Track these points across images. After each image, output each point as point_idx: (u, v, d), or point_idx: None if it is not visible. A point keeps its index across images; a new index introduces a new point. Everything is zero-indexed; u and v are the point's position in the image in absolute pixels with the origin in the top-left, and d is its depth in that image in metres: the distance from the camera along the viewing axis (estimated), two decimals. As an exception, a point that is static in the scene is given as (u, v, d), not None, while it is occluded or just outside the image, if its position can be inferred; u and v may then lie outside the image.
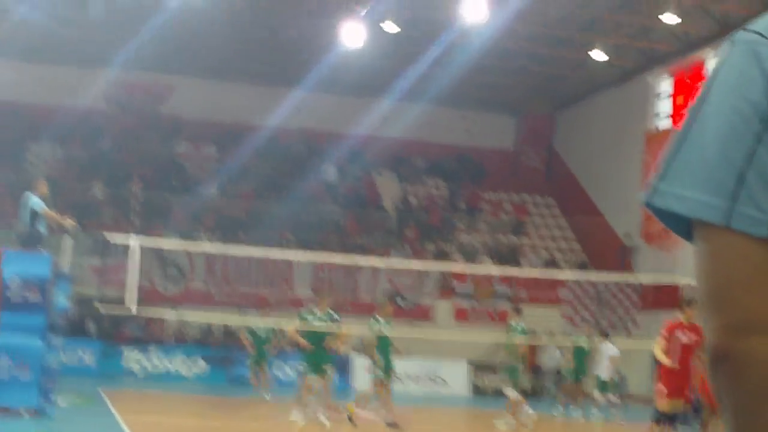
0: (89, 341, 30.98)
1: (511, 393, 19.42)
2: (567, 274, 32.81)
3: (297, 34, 35.69)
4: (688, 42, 34.06)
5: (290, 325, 16.87)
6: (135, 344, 31.71)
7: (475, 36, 33.51)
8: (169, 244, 26.58)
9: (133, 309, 14.21)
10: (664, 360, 12.79)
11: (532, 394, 32.51)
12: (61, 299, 16.13)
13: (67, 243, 16.54)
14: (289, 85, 38.67)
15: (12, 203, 32.18)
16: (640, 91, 37.10)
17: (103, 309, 18.64)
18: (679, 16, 31.48)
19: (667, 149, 1.48)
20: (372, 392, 17.56)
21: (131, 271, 14.42)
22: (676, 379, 12.87)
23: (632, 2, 32.47)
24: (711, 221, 1.38)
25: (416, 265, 27.73)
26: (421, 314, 34.95)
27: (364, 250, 35.48)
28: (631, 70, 37.52)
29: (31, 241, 16.12)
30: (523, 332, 19.58)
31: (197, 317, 29.18)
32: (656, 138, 35.58)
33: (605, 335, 24.16)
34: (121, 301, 22.97)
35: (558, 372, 29.49)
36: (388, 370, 17.96)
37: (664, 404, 12.98)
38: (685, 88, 35.34)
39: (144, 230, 31.73)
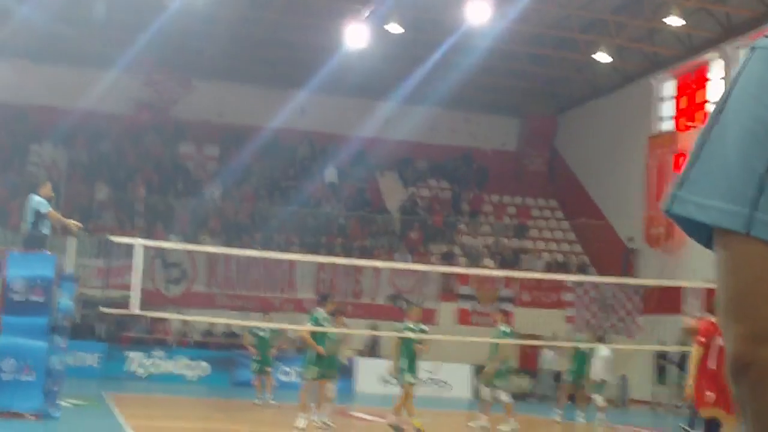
0: (93, 343, 30.95)
1: (488, 395, 19.43)
2: (570, 278, 32.73)
3: (300, 36, 35.69)
4: (692, 45, 34.03)
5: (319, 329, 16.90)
6: (139, 346, 31.70)
7: (479, 38, 33.52)
8: (172, 245, 26.53)
9: (137, 311, 14.20)
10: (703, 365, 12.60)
11: (532, 397, 32.61)
12: (65, 301, 16.10)
13: (71, 244, 16.52)
14: (293, 86, 38.69)
15: (15, 205, 32.23)
16: (643, 93, 37.07)
17: (107, 311, 18.61)
18: (682, 18, 31.46)
19: (688, 156, 1.47)
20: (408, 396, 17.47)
21: (135, 273, 14.40)
22: (720, 384, 12.74)
23: (636, 5, 32.46)
24: (731, 229, 1.37)
25: (419, 267, 27.66)
26: (424, 317, 34.79)
27: (367, 253, 35.46)
28: (634, 72, 37.50)
29: (34, 242, 16.11)
30: (509, 335, 19.60)
31: (200, 319, 29.12)
32: (659, 141, 35.54)
33: (600, 339, 24.11)
34: (124, 303, 22.99)
35: (557, 375, 29.45)
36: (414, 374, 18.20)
37: (708, 411, 12.85)
38: (688, 91, 35.31)
39: (147, 232, 31.75)
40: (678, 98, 35.90)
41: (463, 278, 35.20)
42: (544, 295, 35.96)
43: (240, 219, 37.58)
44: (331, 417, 17.10)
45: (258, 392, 22.94)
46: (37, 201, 16.06)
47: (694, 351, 12.90)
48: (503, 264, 36.84)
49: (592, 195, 40.60)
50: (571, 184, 42.14)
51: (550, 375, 32.36)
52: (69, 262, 16.34)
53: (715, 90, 33.51)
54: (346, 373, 25.86)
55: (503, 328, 19.68)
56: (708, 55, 33.69)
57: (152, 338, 32.84)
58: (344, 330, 17.32)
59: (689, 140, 33.66)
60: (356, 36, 32.39)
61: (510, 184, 42.80)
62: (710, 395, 12.71)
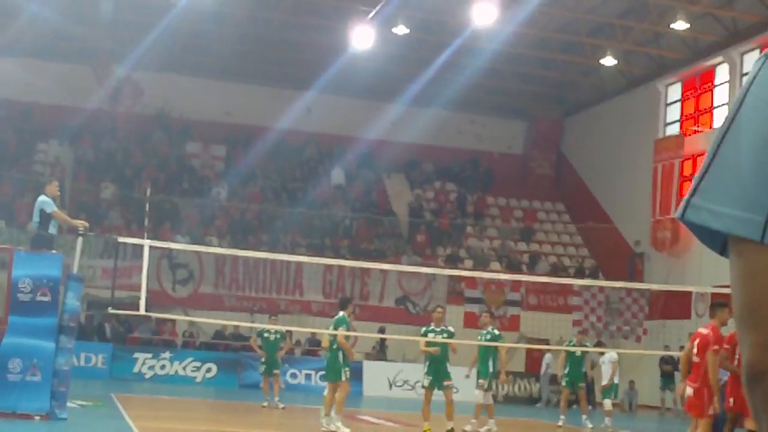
0: (100, 344, 30.93)
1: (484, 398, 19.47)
2: (577, 281, 32.67)
3: (307, 37, 35.70)
4: (698, 49, 33.99)
5: (339, 332, 16.89)
6: (146, 347, 31.68)
7: (485, 40, 33.51)
8: (181, 246, 26.52)
9: (143, 311, 14.21)
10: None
11: (531, 401, 32.58)
12: (72, 301, 16.04)
13: (78, 244, 16.49)
14: (300, 87, 38.71)
15: (21, 203, 32.28)
16: (649, 97, 37.04)
17: (115, 312, 18.62)
18: (688, 22, 31.44)
19: (701, 163, 1.46)
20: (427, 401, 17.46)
21: (143, 274, 14.41)
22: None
23: (642, 9, 32.43)
24: (745, 236, 1.37)
25: (427, 270, 27.61)
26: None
27: (374, 255, 35.42)
28: (640, 76, 37.46)
29: (41, 242, 16.10)
30: (495, 338, 19.64)
31: (207, 321, 29.12)
32: (665, 145, 35.48)
33: (599, 344, 24.09)
34: (131, 304, 23.00)
35: (554, 378, 29.39)
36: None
37: (752, 424, 12.74)
38: (694, 95, 35.26)
39: (154, 232, 31.71)
40: (684, 102, 35.86)
41: (470, 281, 35.11)
42: (551, 299, 35.91)
43: (246, 220, 37.56)
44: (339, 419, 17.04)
45: (266, 394, 22.90)
46: (43, 201, 16.06)
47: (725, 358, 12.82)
48: (510, 267, 36.80)
49: (599, 198, 40.55)
50: (578, 188, 42.09)
51: (549, 378, 32.38)
52: (76, 262, 16.30)
53: (721, 94, 33.47)
54: (354, 376, 25.84)
55: (491, 330, 19.75)
56: (714, 60, 33.64)
57: (159, 339, 32.83)
58: (357, 333, 17.42)
59: (695, 144, 33.64)
60: (363, 37, 32.36)
61: (516, 187, 42.76)
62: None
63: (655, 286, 30.27)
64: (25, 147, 37.59)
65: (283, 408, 21.95)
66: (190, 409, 22.92)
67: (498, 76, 38.50)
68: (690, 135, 34.58)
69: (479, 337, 19.97)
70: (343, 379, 16.60)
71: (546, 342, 32.46)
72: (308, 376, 30.82)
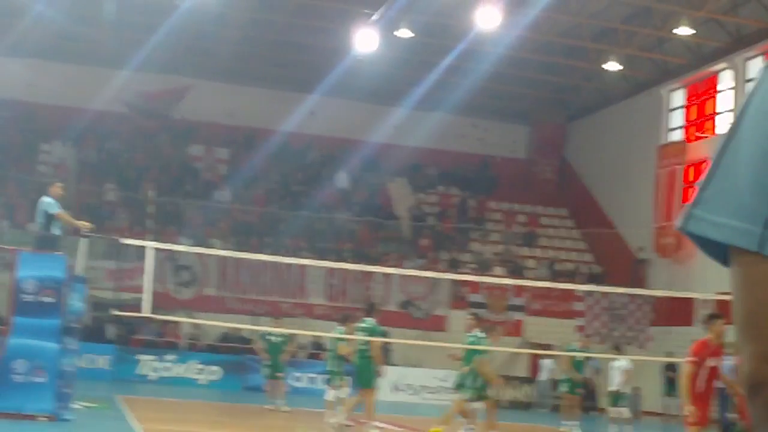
0: (104, 346, 30.94)
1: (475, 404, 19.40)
2: (580, 287, 32.64)
3: (311, 39, 35.71)
4: (702, 54, 33.99)
5: (348, 336, 17.06)
6: (150, 349, 31.70)
7: (489, 44, 33.50)
8: (185, 248, 26.53)
9: (148, 312, 14.23)
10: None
11: (531, 406, 32.57)
12: (77, 302, 16.07)
13: (82, 245, 16.51)
14: (303, 90, 38.71)
15: (25, 204, 32.30)
16: (653, 103, 37.03)
17: (119, 314, 18.64)
18: (692, 28, 31.42)
19: (704, 172, 1.48)
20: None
21: (147, 276, 14.42)
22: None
23: (646, 14, 32.44)
24: (745, 248, 1.37)
25: (430, 274, 27.62)
26: (434, 324, 34.85)
27: (377, 259, 35.42)
28: (644, 82, 37.46)
29: (46, 243, 16.14)
30: (482, 341, 19.53)
31: (210, 323, 29.16)
32: (669, 151, 35.48)
33: (617, 349, 23.97)
34: (135, 306, 23.00)
35: (555, 383, 29.37)
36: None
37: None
38: (698, 101, 35.26)
39: (157, 233, 31.74)
40: (687, 108, 35.86)
41: (474, 286, 35.09)
42: (555, 305, 35.86)
43: (250, 223, 37.57)
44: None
45: (269, 397, 22.91)
46: (47, 202, 16.10)
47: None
48: (513, 272, 36.77)
49: (602, 204, 40.51)
50: (581, 193, 42.05)
51: (547, 384, 32.40)
52: (79, 264, 16.32)
53: (724, 100, 33.46)
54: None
55: (477, 333, 19.56)
56: (718, 66, 33.64)
57: (163, 341, 32.84)
58: (375, 338, 17.54)
59: (698, 150, 33.63)
60: (366, 40, 32.35)
61: (520, 191, 42.71)
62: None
63: (658, 293, 30.25)
64: (28, 148, 37.63)
65: (287, 411, 21.96)
66: (194, 411, 22.94)
67: (501, 81, 38.50)
68: (693, 141, 34.58)
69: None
70: (375, 385, 16.94)
71: (549, 347, 32.41)
72: (312, 380, 30.81)
